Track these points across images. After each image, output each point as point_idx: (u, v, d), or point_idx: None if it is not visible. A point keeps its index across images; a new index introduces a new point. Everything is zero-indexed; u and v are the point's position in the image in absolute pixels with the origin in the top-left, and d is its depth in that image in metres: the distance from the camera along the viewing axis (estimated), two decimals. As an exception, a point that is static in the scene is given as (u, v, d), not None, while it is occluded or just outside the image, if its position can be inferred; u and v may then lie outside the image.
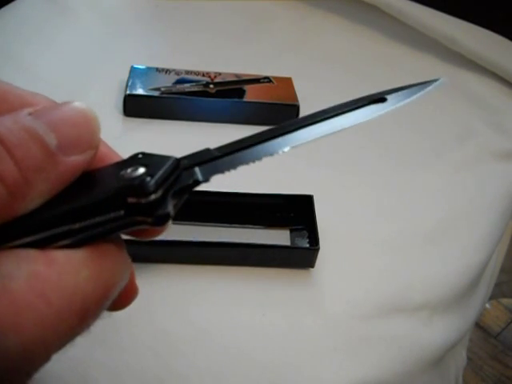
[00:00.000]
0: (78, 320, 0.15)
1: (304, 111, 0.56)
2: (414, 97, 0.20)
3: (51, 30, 0.67)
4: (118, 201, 0.17)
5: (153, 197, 0.16)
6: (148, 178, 0.17)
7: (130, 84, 0.55)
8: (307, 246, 0.42)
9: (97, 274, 0.16)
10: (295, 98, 0.57)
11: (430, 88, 0.21)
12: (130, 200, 0.16)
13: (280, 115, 0.57)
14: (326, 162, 0.53)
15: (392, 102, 0.20)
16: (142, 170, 0.17)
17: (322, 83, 0.64)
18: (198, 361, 0.36)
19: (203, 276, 0.40)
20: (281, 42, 0.71)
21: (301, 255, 0.41)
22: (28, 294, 0.14)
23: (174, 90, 0.55)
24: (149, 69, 0.58)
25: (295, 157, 0.54)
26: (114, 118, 0.55)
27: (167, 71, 0.58)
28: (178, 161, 0.18)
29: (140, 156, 0.18)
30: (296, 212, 0.44)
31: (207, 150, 0.19)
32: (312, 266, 0.41)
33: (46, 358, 0.16)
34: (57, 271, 0.15)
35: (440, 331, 0.43)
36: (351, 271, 0.43)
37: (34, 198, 0.16)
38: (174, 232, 0.42)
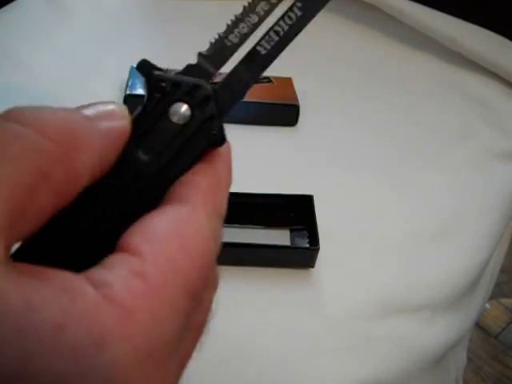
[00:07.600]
0: (189, 302, 0.15)
1: (304, 111, 0.56)
2: None
3: (51, 29, 0.67)
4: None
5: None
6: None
7: (129, 84, 0.55)
8: (307, 246, 0.42)
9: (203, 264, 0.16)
10: (295, 98, 0.57)
11: None
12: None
13: (280, 115, 0.56)
14: (326, 162, 0.53)
15: None
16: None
17: (321, 83, 0.64)
18: (198, 361, 0.36)
19: (203, 276, 0.40)
20: (281, 41, 0.71)
21: (301, 255, 0.41)
22: (129, 296, 0.14)
23: (174, 89, 0.55)
24: (149, 69, 0.57)
25: (295, 157, 0.54)
26: (114, 117, 0.54)
27: (167, 71, 0.57)
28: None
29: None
30: (296, 212, 0.44)
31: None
32: (312, 266, 0.41)
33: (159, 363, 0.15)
34: (149, 262, 0.15)
35: (440, 331, 0.43)
36: (351, 271, 0.43)
37: (85, 159, 0.15)
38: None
